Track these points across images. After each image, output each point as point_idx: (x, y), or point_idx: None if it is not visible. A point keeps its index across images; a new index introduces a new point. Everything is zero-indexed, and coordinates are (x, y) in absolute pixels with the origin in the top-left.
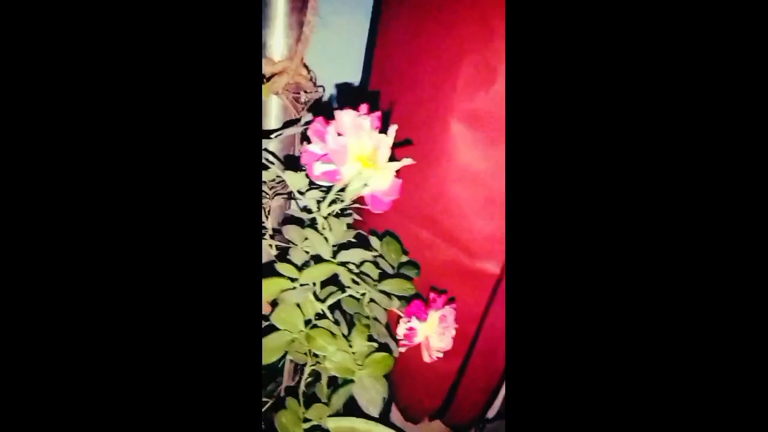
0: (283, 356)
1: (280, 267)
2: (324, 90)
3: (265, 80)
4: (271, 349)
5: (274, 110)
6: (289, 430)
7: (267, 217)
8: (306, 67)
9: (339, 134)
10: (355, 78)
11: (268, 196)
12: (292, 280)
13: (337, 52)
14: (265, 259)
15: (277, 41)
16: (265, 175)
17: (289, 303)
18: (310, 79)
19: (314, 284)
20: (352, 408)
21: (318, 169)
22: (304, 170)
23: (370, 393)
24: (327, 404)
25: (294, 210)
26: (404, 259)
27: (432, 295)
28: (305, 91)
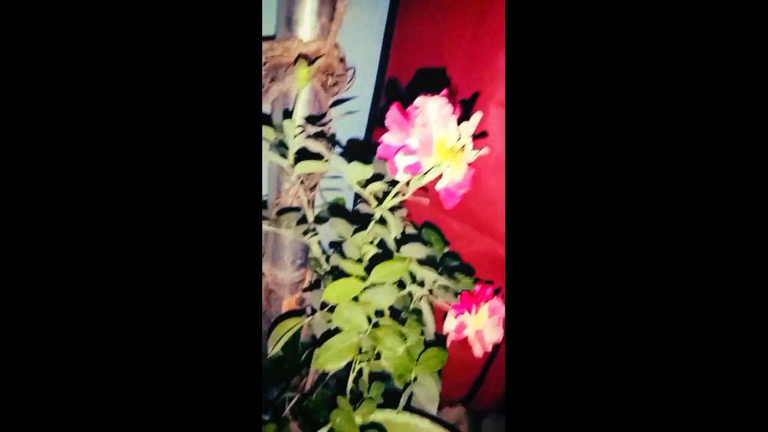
0: (295, 346)
1: (346, 265)
2: (354, 72)
3: (307, 63)
4: (338, 352)
5: (302, 95)
6: (346, 430)
7: (310, 209)
8: (337, 47)
9: (423, 124)
10: (374, 60)
11: (303, 185)
12: (363, 279)
13: (357, 31)
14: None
15: (307, 19)
16: (317, 166)
17: (367, 304)
18: (341, 60)
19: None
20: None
21: (401, 162)
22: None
23: (428, 390)
24: (385, 405)
25: (364, 206)
26: (446, 249)
27: (478, 287)
28: (333, 74)
